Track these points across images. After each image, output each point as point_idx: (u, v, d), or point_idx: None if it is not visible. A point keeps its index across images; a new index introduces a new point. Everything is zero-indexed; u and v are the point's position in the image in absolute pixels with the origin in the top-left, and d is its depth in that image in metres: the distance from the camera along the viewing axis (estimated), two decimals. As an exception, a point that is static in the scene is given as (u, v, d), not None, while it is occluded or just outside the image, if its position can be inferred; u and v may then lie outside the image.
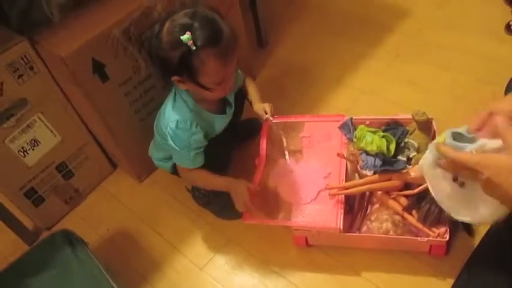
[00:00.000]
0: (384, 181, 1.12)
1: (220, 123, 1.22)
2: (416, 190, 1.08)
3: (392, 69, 1.62)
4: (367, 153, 1.14)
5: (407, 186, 1.13)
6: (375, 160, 1.12)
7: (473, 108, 1.41)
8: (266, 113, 1.28)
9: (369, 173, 1.13)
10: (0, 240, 1.41)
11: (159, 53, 1.04)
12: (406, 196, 1.13)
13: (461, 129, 0.78)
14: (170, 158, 1.24)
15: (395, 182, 1.11)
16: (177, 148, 1.14)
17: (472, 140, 0.76)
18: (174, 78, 1.07)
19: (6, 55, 1.12)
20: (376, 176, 1.13)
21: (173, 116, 1.13)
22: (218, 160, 1.22)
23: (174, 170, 1.27)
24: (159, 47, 1.03)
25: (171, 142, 1.14)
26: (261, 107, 1.29)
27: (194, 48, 0.98)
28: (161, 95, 1.32)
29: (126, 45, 1.20)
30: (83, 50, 1.13)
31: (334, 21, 1.86)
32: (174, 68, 1.03)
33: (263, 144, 1.29)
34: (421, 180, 1.08)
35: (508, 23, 1.62)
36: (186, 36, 0.97)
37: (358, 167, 1.16)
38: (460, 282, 0.96)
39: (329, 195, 1.16)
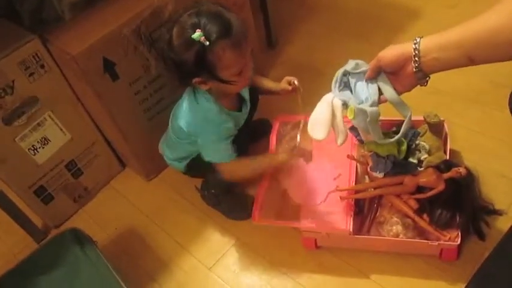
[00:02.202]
0: (395, 184, 1.11)
1: (238, 120, 1.21)
2: (428, 193, 1.07)
3: (403, 71, 1.60)
4: (378, 155, 1.13)
5: (419, 189, 1.12)
6: (385, 162, 1.11)
7: (487, 111, 1.40)
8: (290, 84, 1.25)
9: (379, 175, 1.12)
10: (10, 238, 1.42)
11: (173, 58, 1.03)
12: (418, 199, 1.11)
13: (362, 68, 0.95)
14: (184, 158, 1.24)
15: (407, 186, 1.10)
16: (210, 143, 1.13)
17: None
18: (195, 80, 1.06)
19: (17, 53, 1.12)
20: (388, 178, 1.11)
21: (199, 113, 1.12)
22: None
23: (187, 170, 1.27)
24: (171, 53, 1.02)
25: (202, 140, 1.13)
26: (282, 82, 1.26)
27: (208, 43, 0.97)
28: (171, 94, 1.33)
29: (136, 44, 1.20)
30: (93, 49, 1.14)
31: (345, 22, 1.85)
32: (192, 69, 1.02)
33: (273, 139, 1.28)
34: (433, 183, 1.07)
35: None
36: (197, 34, 0.97)
37: (369, 168, 1.15)
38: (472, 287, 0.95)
39: (340, 198, 1.15)
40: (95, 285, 1.06)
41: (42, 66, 1.18)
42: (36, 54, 1.15)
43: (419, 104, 1.28)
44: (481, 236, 1.13)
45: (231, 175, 1.20)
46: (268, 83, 1.30)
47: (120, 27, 1.15)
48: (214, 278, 1.23)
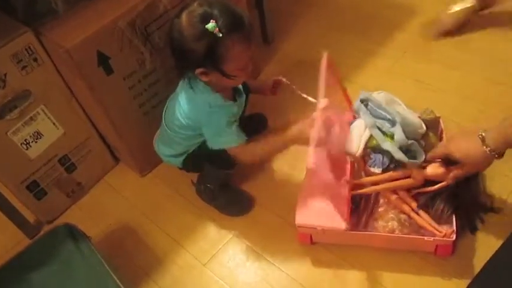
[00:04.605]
0: (402, 178, 1.11)
1: (236, 110, 1.20)
2: (436, 186, 1.07)
3: (399, 67, 1.60)
4: (375, 151, 1.13)
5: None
6: (382, 158, 1.11)
7: (482, 108, 1.40)
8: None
9: (377, 170, 1.12)
10: (2, 234, 1.40)
11: (183, 47, 1.02)
12: (424, 193, 1.11)
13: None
14: (180, 154, 1.23)
15: (415, 180, 1.09)
16: (218, 130, 1.11)
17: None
18: (198, 70, 1.05)
19: (10, 46, 1.11)
20: (396, 172, 1.11)
21: (201, 102, 1.11)
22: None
23: (184, 166, 1.25)
24: (181, 41, 1.02)
25: (208, 128, 1.12)
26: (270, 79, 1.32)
27: (220, 35, 0.97)
28: (165, 88, 1.32)
29: (131, 37, 1.19)
30: (87, 42, 1.12)
31: (341, 18, 1.84)
32: (198, 59, 1.02)
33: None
34: (441, 176, 1.07)
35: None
36: (211, 25, 0.96)
37: (367, 165, 1.15)
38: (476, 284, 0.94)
39: (347, 193, 1.14)
40: (88, 280, 1.04)
41: (35, 60, 1.16)
42: (29, 47, 1.14)
43: (414, 100, 1.29)
44: (472, 230, 1.12)
45: (244, 156, 1.16)
46: (254, 82, 1.33)
47: (114, 20, 1.14)
48: (209, 274, 1.22)
